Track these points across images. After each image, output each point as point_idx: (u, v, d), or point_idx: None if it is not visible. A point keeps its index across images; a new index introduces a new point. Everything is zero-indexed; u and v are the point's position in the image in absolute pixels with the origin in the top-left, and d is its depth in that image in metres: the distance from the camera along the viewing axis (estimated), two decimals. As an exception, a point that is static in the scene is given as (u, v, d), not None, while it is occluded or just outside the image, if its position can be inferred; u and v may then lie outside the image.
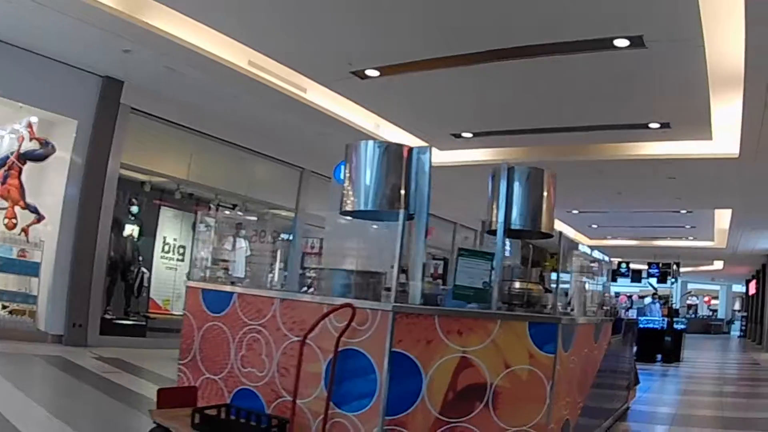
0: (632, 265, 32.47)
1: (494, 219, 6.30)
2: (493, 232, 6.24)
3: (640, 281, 30.04)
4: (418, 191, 6.12)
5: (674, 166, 15.97)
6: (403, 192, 6.06)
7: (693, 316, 56.11)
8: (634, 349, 21.10)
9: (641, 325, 20.82)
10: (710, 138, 14.34)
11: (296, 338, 5.57)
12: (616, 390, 9.74)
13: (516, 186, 6.34)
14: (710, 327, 53.00)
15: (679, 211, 24.18)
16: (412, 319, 5.33)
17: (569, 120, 14.13)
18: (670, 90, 11.92)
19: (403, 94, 13.09)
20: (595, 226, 30.07)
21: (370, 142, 6.24)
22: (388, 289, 5.72)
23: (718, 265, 41.62)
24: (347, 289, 5.92)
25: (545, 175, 6.50)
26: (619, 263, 30.69)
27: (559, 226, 26.85)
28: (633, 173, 17.39)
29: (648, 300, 24.87)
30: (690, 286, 56.93)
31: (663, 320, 22.22)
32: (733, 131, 13.31)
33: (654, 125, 13.87)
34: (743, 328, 48.58)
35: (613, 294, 20.85)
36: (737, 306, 60.04)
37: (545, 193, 6.48)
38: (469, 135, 15.60)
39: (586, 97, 12.73)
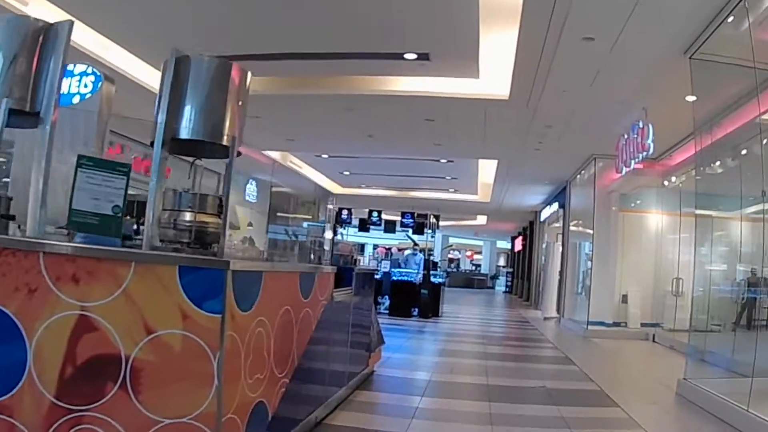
0: (385, 215, 31.20)
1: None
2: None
3: (394, 232, 28.89)
4: (48, 81, 4.48)
5: (433, 106, 14.57)
6: (30, 80, 4.45)
7: (455, 270, 57.93)
8: (386, 303, 20.27)
9: (395, 278, 20.64)
10: (477, 76, 13.06)
11: None
12: (351, 353, 8.17)
13: (189, 82, 4.58)
14: (473, 281, 54.58)
15: (439, 160, 23.00)
16: (8, 257, 3.95)
17: (311, 45, 12.28)
18: (430, 13, 10.45)
19: (122, 5, 10.97)
20: (347, 172, 28.09)
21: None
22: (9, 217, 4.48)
23: (482, 220, 42.19)
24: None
25: (233, 70, 4.76)
26: (370, 212, 29.25)
27: (309, 172, 25.36)
28: (386, 112, 15.71)
29: (408, 252, 23.80)
30: (452, 240, 57.51)
31: (419, 273, 21.32)
32: (504, 70, 12.32)
33: (410, 56, 12.28)
34: (509, 283, 49.80)
35: (352, 242, 19.51)
36: (502, 262, 62.15)
37: (231, 95, 4.72)
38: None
39: (330, 16, 10.93)
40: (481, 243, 63.10)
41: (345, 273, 7.77)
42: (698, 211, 11.39)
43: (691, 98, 11.43)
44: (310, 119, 16.65)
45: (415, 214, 26.52)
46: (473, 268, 63.45)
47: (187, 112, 4.55)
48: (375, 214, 28.06)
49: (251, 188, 26.64)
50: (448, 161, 23.00)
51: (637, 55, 10.40)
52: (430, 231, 25.56)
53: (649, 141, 12.92)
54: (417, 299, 20.68)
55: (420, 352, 13.49)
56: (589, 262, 19.05)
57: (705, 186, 12.55)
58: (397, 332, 15.81)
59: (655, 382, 10.54)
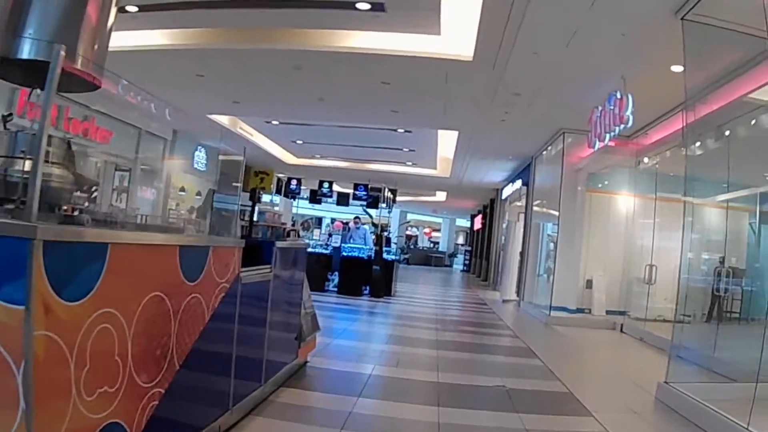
0: (339, 188, 29.75)
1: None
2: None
3: (347, 204, 27.63)
4: None
5: (389, 66, 13.12)
6: None
7: (413, 247, 57.90)
8: (337, 282, 19.06)
9: (344, 254, 19.58)
10: (438, 32, 11.75)
11: None
12: (271, 344, 6.68)
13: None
14: (431, 259, 54.18)
15: (396, 130, 21.55)
16: None
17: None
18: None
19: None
20: (299, 141, 26.59)
21: None
22: None
23: (441, 196, 41.24)
24: None
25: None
26: (321, 183, 27.77)
27: (260, 140, 24.13)
28: (337, 73, 14.15)
29: (352, 225, 22.67)
30: (410, 217, 56.74)
31: (370, 249, 20.19)
32: (468, 26, 10.91)
33: (363, 5, 10.87)
34: (467, 262, 49.12)
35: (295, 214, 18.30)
36: (461, 240, 62.53)
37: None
38: (134, 8, 11.88)
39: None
40: (440, 220, 62.62)
41: (263, 248, 6.43)
42: (687, 198, 10.22)
43: (677, 68, 10.40)
44: (255, 79, 15.27)
45: (369, 187, 25.18)
46: (431, 245, 62.76)
47: (29, 24, 3.44)
48: (326, 185, 26.62)
49: (200, 156, 25.27)
50: (406, 131, 21.60)
51: (621, 11, 9.16)
52: (384, 205, 24.29)
53: (628, 113, 11.69)
54: (368, 277, 19.58)
55: (365, 338, 12.19)
56: (552, 244, 18.34)
57: (679, 168, 11.59)
58: (343, 313, 14.78)
59: (630, 382, 9.22)
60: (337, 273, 20.05)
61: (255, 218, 7.66)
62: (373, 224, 22.35)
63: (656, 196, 14.71)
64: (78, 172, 3.66)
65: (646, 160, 15.73)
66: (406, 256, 47.03)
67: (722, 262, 11.74)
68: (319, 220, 49.24)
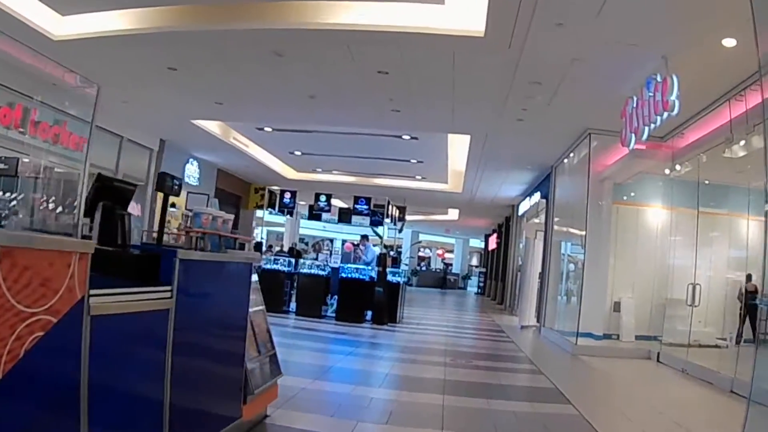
0: (341, 203, 27.55)
1: None
2: None
3: (349, 222, 25.54)
4: None
5: (384, 47, 11.03)
6: None
7: (425, 268, 57.02)
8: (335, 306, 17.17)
9: (343, 275, 17.82)
10: (441, 0, 9.68)
11: None
12: (181, 404, 4.56)
13: None
14: (444, 281, 52.95)
15: (401, 137, 19.32)
16: None
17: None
18: None
19: None
20: (298, 153, 24.54)
21: None
22: None
23: (453, 214, 39.81)
24: None
25: None
26: (317, 196, 25.41)
27: (257, 151, 22.67)
28: (325, 60, 12.07)
29: (361, 246, 20.82)
30: (422, 237, 55.29)
31: (372, 269, 18.27)
32: None
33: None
34: (481, 284, 48.03)
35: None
36: (475, 261, 61.86)
37: None
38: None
39: None
40: (453, 241, 61.33)
41: (163, 261, 4.30)
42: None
43: (729, 42, 8.75)
44: (234, 71, 13.29)
45: (372, 202, 22.95)
46: (444, 267, 61.37)
47: None
48: (323, 198, 24.27)
49: (192, 168, 23.45)
50: (412, 138, 19.41)
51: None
52: (389, 221, 22.27)
53: (673, 97, 9.47)
54: (371, 301, 17.74)
55: (354, 378, 9.91)
56: (572, 265, 16.77)
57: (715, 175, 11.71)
58: (336, 344, 12.89)
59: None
60: (336, 297, 18.25)
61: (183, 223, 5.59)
62: (372, 244, 20.49)
63: (699, 210, 12.95)
64: None
65: (678, 167, 13.81)
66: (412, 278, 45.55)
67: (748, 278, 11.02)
68: (331, 242, 47.77)
